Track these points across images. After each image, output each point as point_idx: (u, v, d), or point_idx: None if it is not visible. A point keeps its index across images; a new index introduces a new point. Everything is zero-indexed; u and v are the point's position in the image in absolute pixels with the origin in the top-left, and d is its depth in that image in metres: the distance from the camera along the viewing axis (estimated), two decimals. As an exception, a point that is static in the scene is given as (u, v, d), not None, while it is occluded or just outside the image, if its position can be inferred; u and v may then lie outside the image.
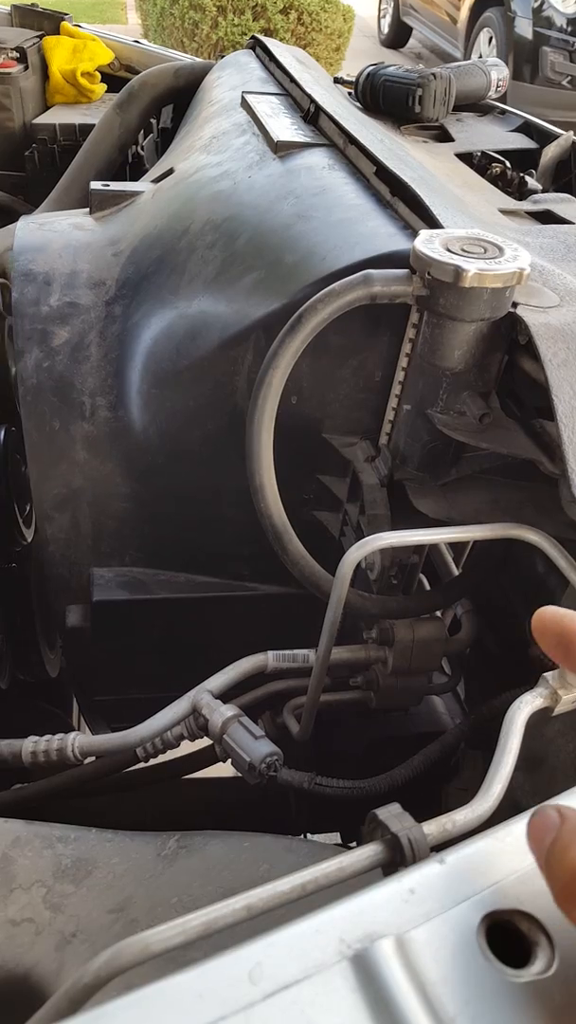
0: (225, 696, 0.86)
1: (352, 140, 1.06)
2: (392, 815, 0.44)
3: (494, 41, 6.92)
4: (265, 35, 1.78)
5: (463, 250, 0.68)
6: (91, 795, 0.96)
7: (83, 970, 0.39)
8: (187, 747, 0.93)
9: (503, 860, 0.38)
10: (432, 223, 0.83)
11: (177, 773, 0.99)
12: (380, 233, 0.84)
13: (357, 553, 0.70)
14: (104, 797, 0.98)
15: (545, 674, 0.53)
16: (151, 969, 0.38)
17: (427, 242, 0.69)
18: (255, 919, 0.41)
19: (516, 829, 0.39)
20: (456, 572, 1.02)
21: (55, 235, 1.09)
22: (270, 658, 0.87)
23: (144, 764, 0.91)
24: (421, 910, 0.35)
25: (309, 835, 1.16)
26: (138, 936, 0.39)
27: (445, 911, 0.35)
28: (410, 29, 8.80)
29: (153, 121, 1.90)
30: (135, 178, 1.70)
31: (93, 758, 0.92)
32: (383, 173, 0.96)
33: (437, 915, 0.35)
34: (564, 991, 0.34)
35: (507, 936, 0.36)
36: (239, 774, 0.80)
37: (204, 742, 0.89)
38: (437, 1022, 0.31)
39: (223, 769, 0.91)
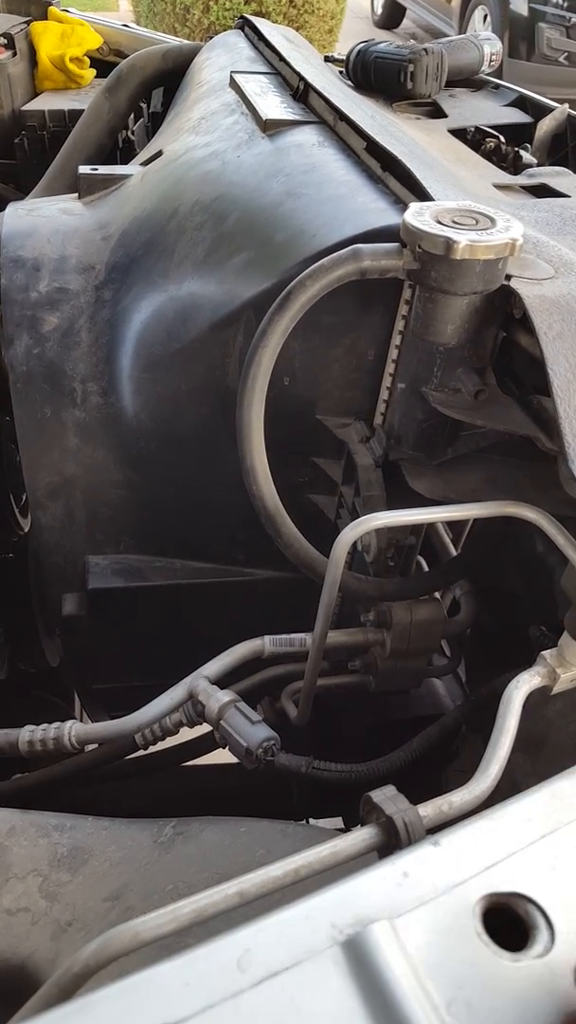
0: (225, 682, 0.85)
1: (342, 116, 1.04)
2: (387, 797, 0.43)
3: (489, 19, 6.83)
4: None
5: (454, 222, 0.66)
6: (92, 783, 0.96)
7: (73, 959, 0.38)
8: (189, 734, 0.92)
9: (500, 841, 0.37)
10: (423, 197, 0.81)
11: (177, 760, 0.99)
12: (371, 208, 0.82)
13: (351, 533, 0.69)
14: (105, 785, 0.98)
15: (543, 652, 0.52)
16: (147, 956, 0.38)
17: (417, 214, 0.67)
18: (248, 905, 0.40)
19: (513, 809, 0.38)
20: (455, 554, 1.01)
21: (43, 220, 1.07)
22: (267, 643, 0.86)
23: (144, 752, 0.91)
24: (415, 893, 0.34)
25: (312, 820, 1.16)
26: (128, 924, 0.38)
27: (440, 894, 0.34)
28: (404, 9, 8.69)
29: (143, 105, 1.87)
30: (126, 163, 1.68)
31: (93, 746, 0.91)
32: (374, 148, 0.94)
33: (432, 898, 0.34)
34: (563, 973, 0.33)
35: (505, 919, 0.35)
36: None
37: (205, 729, 0.88)
38: (431, 1007, 0.30)
39: (226, 755, 0.90)
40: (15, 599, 1.33)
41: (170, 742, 0.94)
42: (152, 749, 0.92)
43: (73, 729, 0.83)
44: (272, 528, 0.81)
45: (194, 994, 0.30)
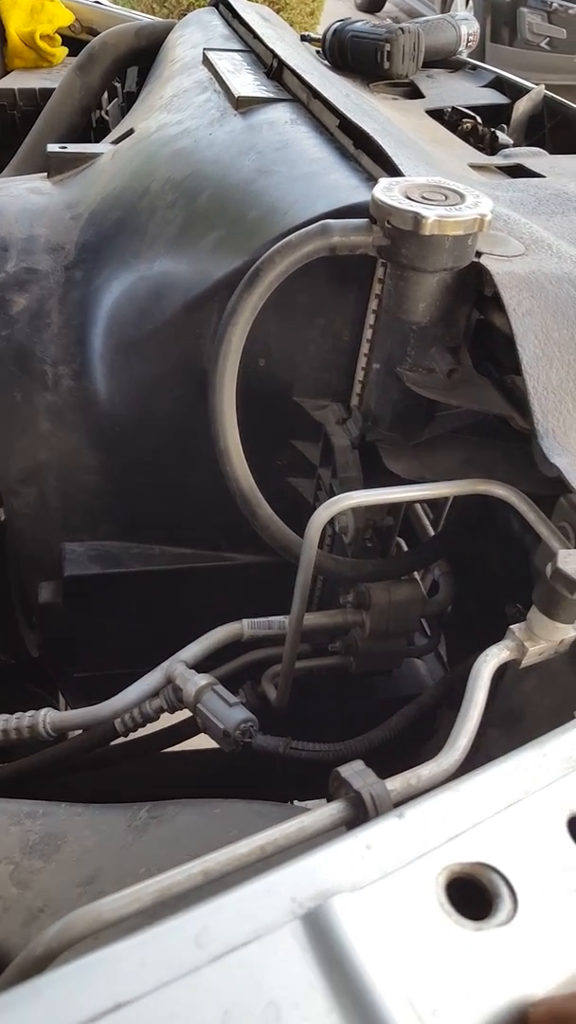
0: (207, 667, 0.84)
1: (316, 94, 1.03)
2: (355, 772, 0.43)
3: (471, 3, 6.79)
4: (236, -2, 1.72)
5: (423, 197, 0.66)
6: (74, 772, 0.95)
7: (35, 942, 0.38)
8: (173, 720, 0.92)
9: (464, 811, 0.37)
10: (395, 174, 0.80)
11: (160, 746, 0.98)
12: (342, 185, 0.81)
13: (325, 513, 0.68)
14: (87, 773, 0.97)
15: (512, 627, 0.52)
16: (116, 937, 0.37)
17: (386, 190, 0.66)
18: (214, 883, 0.39)
19: (478, 780, 0.38)
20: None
21: (11, 200, 1.06)
22: (245, 626, 0.86)
23: (125, 738, 0.90)
24: (378, 866, 0.34)
25: (296, 802, 1.15)
26: (90, 906, 0.38)
27: (402, 866, 0.34)
28: (385, -8, 8.62)
29: (117, 85, 1.84)
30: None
31: (75, 734, 0.90)
32: (347, 126, 0.93)
33: (394, 870, 0.34)
34: (525, 941, 0.33)
35: (469, 889, 0.35)
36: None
37: (188, 714, 0.87)
38: (392, 976, 0.30)
39: (210, 740, 0.89)
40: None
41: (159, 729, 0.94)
42: (133, 736, 0.91)
43: (48, 717, 0.82)
44: (248, 510, 0.80)
45: (150, 972, 0.29)
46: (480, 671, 0.49)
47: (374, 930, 0.31)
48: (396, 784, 0.43)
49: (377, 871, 0.34)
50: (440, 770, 0.45)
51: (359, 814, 0.42)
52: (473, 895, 0.34)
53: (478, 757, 0.50)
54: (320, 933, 0.31)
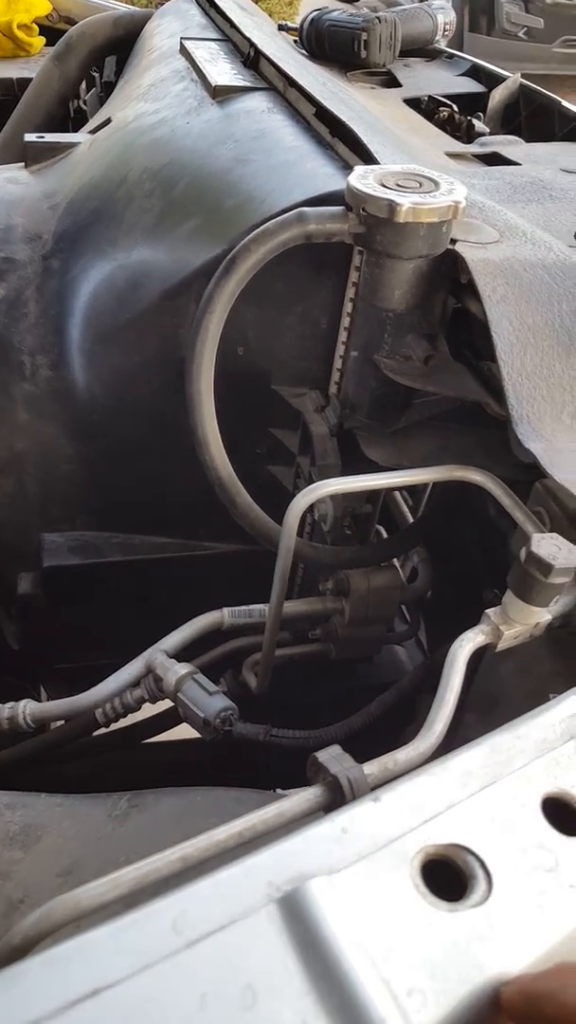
0: (189, 656, 0.84)
1: (292, 83, 1.03)
2: (332, 757, 0.43)
3: (449, -9, 6.78)
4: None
5: (398, 185, 0.66)
6: (55, 763, 0.95)
7: (13, 932, 0.38)
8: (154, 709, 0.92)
9: (439, 794, 0.37)
10: (371, 161, 0.80)
11: (142, 736, 0.98)
12: (319, 174, 0.81)
13: (303, 500, 0.68)
14: (70, 764, 0.97)
15: (487, 611, 0.52)
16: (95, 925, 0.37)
17: (361, 177, 0.66)
18: (192, 869, 0.40)
19: (453, 763, 0.38)
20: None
21: (-13, 189, 1.04)
22: (225, 614, 0.86)
23: (107, 729, 0.90)
24: (354, 849, 0.34)
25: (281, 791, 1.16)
26: (69, 894, 0.38)
27: (379, 848, 0.34)
28: (364, -19, 8.59)
29: (96, 75, 1.83)
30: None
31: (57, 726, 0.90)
32: (323, 114, 0.93)
33: (370, 853, 0.34)
34: (500, 921, 0.33)
35: (445, 870, 0.35)
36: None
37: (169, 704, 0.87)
38: (367, 958, 0.30)
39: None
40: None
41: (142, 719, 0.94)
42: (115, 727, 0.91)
43: (27, 708, 0.81)
44: (227, 498, 0.80)
45: (127, 957, 0.29)
46: (456, 656, 0.50)
47: (350, 913, 0.32)
48: (373, 768, 0.43)
49: (353, 854, 0.34)
50: (416, 754, 0.45)
51: (336, 798, 0.42)
52: (448, 876, 0.35)
53: (455, 741, 0.51)
54: (296, 916, 0.31)
